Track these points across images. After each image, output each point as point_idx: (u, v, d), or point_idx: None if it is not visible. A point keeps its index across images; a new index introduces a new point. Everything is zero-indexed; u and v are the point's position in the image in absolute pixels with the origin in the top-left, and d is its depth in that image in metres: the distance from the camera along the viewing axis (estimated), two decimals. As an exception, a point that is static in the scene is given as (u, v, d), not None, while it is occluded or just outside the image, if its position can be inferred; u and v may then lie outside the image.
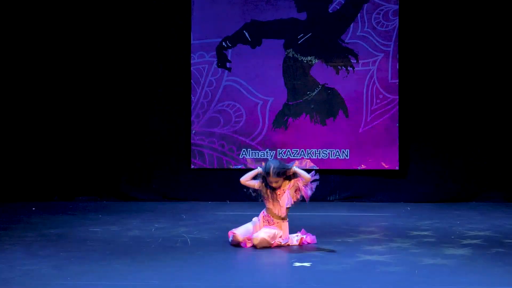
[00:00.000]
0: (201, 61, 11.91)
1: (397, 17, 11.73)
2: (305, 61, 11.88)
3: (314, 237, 7.60)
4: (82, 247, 7.25)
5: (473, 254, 6.83)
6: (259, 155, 11.80)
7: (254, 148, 11.84)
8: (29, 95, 11.81)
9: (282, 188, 7.35)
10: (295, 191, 7.38)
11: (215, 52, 11.92)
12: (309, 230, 7.86)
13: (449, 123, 11.73)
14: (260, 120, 11.87)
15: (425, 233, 8.30)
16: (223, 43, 11.93)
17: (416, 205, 11.33)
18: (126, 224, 9.03)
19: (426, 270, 6.08)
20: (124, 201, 11.71)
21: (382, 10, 11.77)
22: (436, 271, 6.04)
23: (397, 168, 11.73)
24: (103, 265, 6.31)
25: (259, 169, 7.43)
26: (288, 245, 7.33)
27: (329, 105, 11.85)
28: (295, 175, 7.34)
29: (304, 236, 7.55)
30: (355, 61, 11.81)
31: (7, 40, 11.77)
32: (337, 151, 11.80)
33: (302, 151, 11.81)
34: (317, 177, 7.40)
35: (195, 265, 6.36)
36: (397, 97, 11.73)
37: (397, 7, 11.73)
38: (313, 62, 11.87)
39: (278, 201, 7.37)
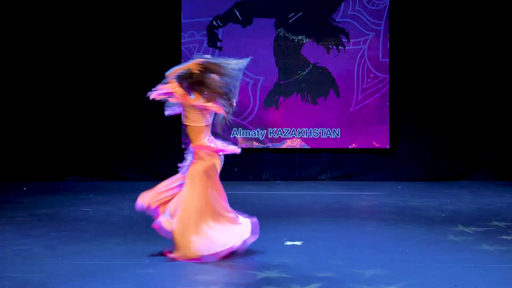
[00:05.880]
0: (192, 40, 11.86)
1: (388, -5, 11.72)
2: (296, 40, 11.85)
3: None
4: (74, 227, 7.26)
5: (463, 232, 6.87)
6: (250, 135, 11.80)
7: (245, 128, 11.83)
8: (19, 75, 11.72)
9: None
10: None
11: (205, 31, 11.87)
12: (301, 209, 7.87)
13: (440, 102, 11.74)
14: (251, 99, 11.85)
15: (416, 211, 8.34)
16: (214, 22, 11.88)
17: (407, 183, 11.36)
18: (117, 203, 9.03)
19: (417, 248, 6.11)
20: (115, 181, 11.69)
21: (373, -12, 11.76)
22: (426, 249, 6.07)
23: (388, 147, 11.76)
24: (95, 244, 6.32)
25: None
26: None
27: (320, 84, 11.84)
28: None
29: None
30: (346, 40, 11.79)
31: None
32: (328, 130, 11.80)
33: (293, 130, 11.81)
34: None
35: (186, 244, 6.35)
36: (388, 76, 11.72)
37: (388, -15, 11.72)
38: (304, 41, 11.84)
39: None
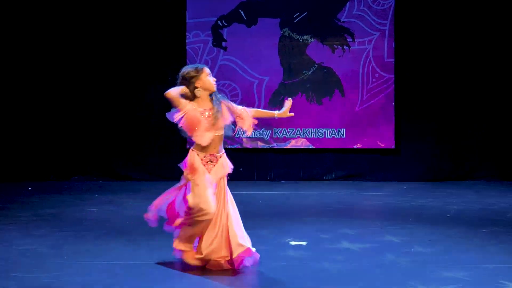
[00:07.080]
0: (196, 40, 11.87)
1: (393, -5, 11.72)
2: (301, 40, 11.84)
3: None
4: (78, 226, 7.27)
5: (467, 233, 6.86)
6: (255, 134, 11.80)
7: (250, 128, 11.80)
8: (23, 75, 11.76)
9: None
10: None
11: (210, 31, 11.88)
12: (305, 209, 7.86)
13: (445, 102, 11.73)
14: (256, 99, 11.85)
15: (421, 211, 8.33)
16: (219, 22, 11.88)
17: (411, 183, 11.36)
18: (122, 203, 9.04)
19: (421, 248, 6.10)
20: (119, 181, 11.71)
21: (378, -12, 11.76)
22: (431, 249, 6.06)
23: (393, 147, 11.75)
24: (99, 244, 6.33)
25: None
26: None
27: (325, 84, 11.84)
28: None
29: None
30: (351, 40, 11.78)
31: None
32: (333, 130, 11.80)
33: (298, 130, 11.81)
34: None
35: (190, 244, 6.35)
36: (393, 76, 11.72)
37: (393, -15, 11.71)
38: (309, 41, 11.84)
39: (217, 121, 5.74)
